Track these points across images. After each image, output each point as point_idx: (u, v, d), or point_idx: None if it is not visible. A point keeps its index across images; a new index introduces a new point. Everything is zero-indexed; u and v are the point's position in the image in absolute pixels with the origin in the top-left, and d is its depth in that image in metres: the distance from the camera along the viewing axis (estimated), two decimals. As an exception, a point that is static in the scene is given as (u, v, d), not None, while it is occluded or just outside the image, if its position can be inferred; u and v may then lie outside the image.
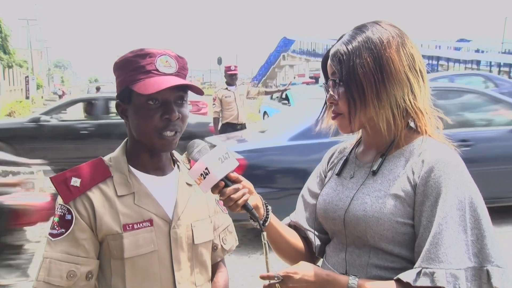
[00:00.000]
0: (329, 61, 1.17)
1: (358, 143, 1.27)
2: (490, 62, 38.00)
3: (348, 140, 1.32)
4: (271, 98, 14.10)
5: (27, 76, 39.07)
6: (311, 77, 40.25)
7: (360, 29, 1.14)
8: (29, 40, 50.39)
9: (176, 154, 1.30)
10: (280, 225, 1.26)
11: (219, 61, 29.13)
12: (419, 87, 1.11)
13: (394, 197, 1.07)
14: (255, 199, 1.18)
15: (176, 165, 1.29)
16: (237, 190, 1.11)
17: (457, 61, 39.51)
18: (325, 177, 1.30)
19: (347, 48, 1.11)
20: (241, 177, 1.15)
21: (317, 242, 1.29)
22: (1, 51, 33.63)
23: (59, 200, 1.16)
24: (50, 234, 1.14)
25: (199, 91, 1.22)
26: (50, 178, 1.17)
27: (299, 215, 1.32)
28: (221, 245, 1.34)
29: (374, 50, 1.09)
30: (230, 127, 6.70)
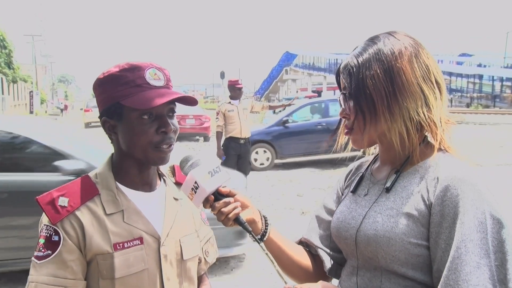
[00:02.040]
0: (341, 75, 1.13)
1: (375, 159, 1.23)
2: (493, 77, 38.07)
3: (367, 157, 1.27)
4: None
5: (31, 91, 39.40)
6: (313, 91, 40.39)
7: (372, 40, 1.10)
8: (34, 55, 50.88)
9: (161, 168, 1.28)
10: (282, 241, 1.22)
11: (222, 75, 29.30)
12: (435, 99, 1.05)
13: (407, 216, 1.01)
14: (250, 213, 1.16)
15: (162, 179, 1.27)
16: (227, 203, 1.10)
17: (460, 75, 39.57)
18: (342, 194, 1.26)
19: (357, 61, 1.07)
20: (234, 191, 1.14)
21: (330, 261, 1.24)
22: (5, 66, 33.94)
23: (44, 220, 1.12)
24: (36, 257, 1.09)
25: (193, 102, 1.20)
26: (36, 198, 1.13)
27: (312, 233, 1.28)
28: (204, 258, 1.33)
29: (384, 62, 1.04)
30: (233, 142, 6.68)
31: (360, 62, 1.07)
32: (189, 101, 1.18)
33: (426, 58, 1.07)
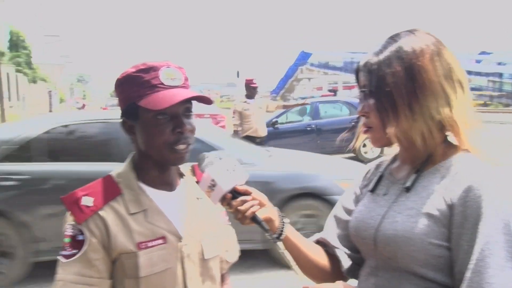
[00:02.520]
0: (360, 72, 1.12)
1: (394, 158, 1.22)
2: (513, 74, 37.20)
3: (386, 156, 1.26)
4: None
5: (50, 91, 40.00)
6: (329, 90, 40.15)
7: (393, 38, 1.09)
8: (52, 56, 51.61)
9: (182, 167, 1.28)
10: (299, 240, 1.21)
11: (238, 75, 29.34)
12: (457, 98, 1.04)
13: (427, 216, 1.00)
14: (267, 212, 1.15)
15: (183, 178, 1.28)
16: (244, 202, 1.10)
17: (479, 73, 38.97)
18: (361, 193, 1.25)
19: (377, 58, 1.06)
20: (251, 189, 1.13)
21: (348, 261, 1.23)
22: (26, 66, 34.54)
23: (69, 220, 1.13)
24: (62, 256, 1.11)
25: (208, 101, 1.20)
26: (61, 198, 1.15)
27: (329, 232, 1.27)
28: (225, 258, 1.32)
29: (405, 60, 1.03)
30: (250, 140, 6.69)
31: (380, 59, 1.06)
32: (204, 100, 1.18)
33: (448, 56, 1.06)
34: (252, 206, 1.10)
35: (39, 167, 4.14)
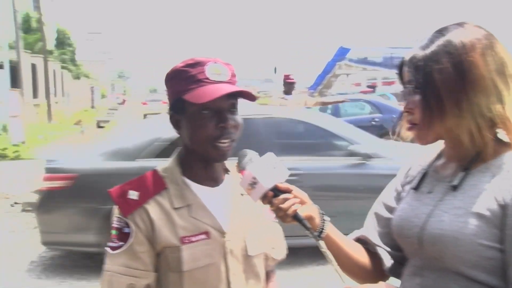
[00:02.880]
0: (405, 68, 1.09)
1: (439, 156, 1.19)
2: None
3: (428, 152, 1.23)
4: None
5: (92, 87, 41.26)
6: (368, 86, 39.44)
7: (440, 32, 1.05)
8: (94, 52, 53.13)
9: (227, 163, 1.29)
10: (340, 238, 1.20)
11: (275, 70, 29.27)
12: (510, 94, 1.00)
13: (477, 216, 0.96)
14: (308, 209, 1.14)
15: (228, 174, 1.28)
16: (286, 199, 1.09)
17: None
18: (403, 191, 1.22)
19: (424, 53, 1.03)
20: (292, 187, 1.12)
21: (390, 259, 1.21)
22: (70, 63, 35.75)
23: (116, 212, 1.16)
24: (109, 247, 1.15)
25: (252, 97, 1.20)
26: (108, 191, 1.18)
27: (370, 230, 1.25)
28: (271, 255, 1.32)
29: (454, 54, 1.00)
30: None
31: (427, 54, 1.02)
32: (247, 96, 1.19)
33: (500, 50, 1.01)
34: (293, 204, 1.09)
35: None
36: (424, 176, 1.15)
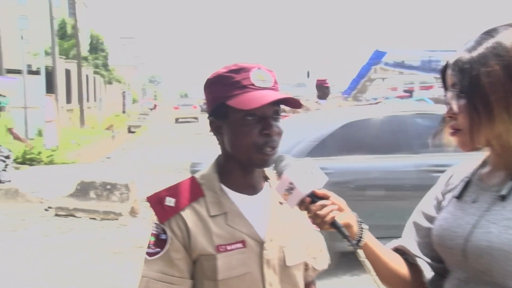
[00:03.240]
0: (449, 71, 1.07)
1: (483, 163, 1.15)
2: None
3: (471, 160, 1.20)
4: None
5: (124, 91, 42.24)
6: (405, 91, 38.77)
7: (489, 33, 1.02)
8: (127, 57, 54.38)
9: (267, 170, 1.29)
10: (379, 247, 1.18)
11: (308, 75, 29.17)
12: None
13: None
14: (346, 217, 1.12)
15: (267, 182, 1.28)
16: (324, 206, 1.08)
17: None
18: (443, 199, 1.19)
19: (470, 55, 1.00)
20: (329, 193, 1.11)
21: (430, 271, 1.18)
22: (103, 68, 36.74)
23: (154, 219, 1.18)
24: (147, 253, 1.17)
25: (298, 104, 1.21)
26: (146, 198, 1.20)
27: (409, 240, 1.22)
28: (312, 265, 1.31)
29: (504, 57, 0.97)
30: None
31: (474, 57, 1.00)
32: (293, 103, 1.19)
33: None
34: (331, 211, 1.08)
35: (340, 162, 4.32)
36: (467, 184, 1.12)
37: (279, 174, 1.13)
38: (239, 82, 1.15)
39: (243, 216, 1.19)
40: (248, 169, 1.21)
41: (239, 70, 1.16)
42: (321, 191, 1.10)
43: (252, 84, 1.15)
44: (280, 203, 1.24)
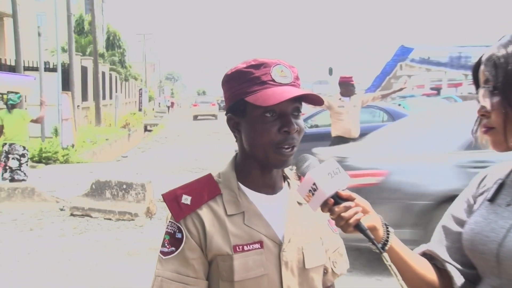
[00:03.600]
0: (481, 67, 1.05)
1: None
2: None
3: (505, 162, 1.17)
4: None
5: (141, 89, 42.68)
6: (432, 89, 38.29)
7: None
8: (144, 54, 54.99)
9: (286, 170, 1.28)
10: (405, 251, 1.16)
11: (330, 72, 28.97)
12: None
13: None
14: (371, 219, 1.12)
15: (286, 182, 1.27)
16: (348, 208, 1.07)
17: None
18: (474, 203, 1.17)
19: (506, 51, 0.99)
20: (354, 195, 1.10)
21: (460, 277, 1.15)
22: (119, 65, 37.19)
23: (169, 217, 1.18)
24: (161, 252, 1.17)
25: (319, 101, 1.19)
26: (162, 195, 1.21)
27: (437, 244, 1.20)
28: (332, 269, 1.30)
29: None
30: (342, 141, 6.58)
31: (509, 52, 0.99)
32: (314, 99, 1.18)
33: None
34: (356, 213, 1.07)
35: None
36: (501, 187, 1.10)
37: (302, 174, 1.13)
38: (258, 77, 1.15)
39: (261, 216, 1.18)
40: (266, 168, 1.20)
41: (259, 66, 1.16)
42: (345, 193, 1.10)
43: (272, 80, 1.14)
44: (299, 203, 1.24)
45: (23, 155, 7.96)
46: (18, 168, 7.92)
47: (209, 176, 1.23)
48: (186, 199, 1.17)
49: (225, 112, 1.24)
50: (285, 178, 1.27)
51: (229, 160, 1.26)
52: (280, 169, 1.22)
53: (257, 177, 1.21)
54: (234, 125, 1.21)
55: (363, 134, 9.43)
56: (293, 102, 1.15)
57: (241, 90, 1.16)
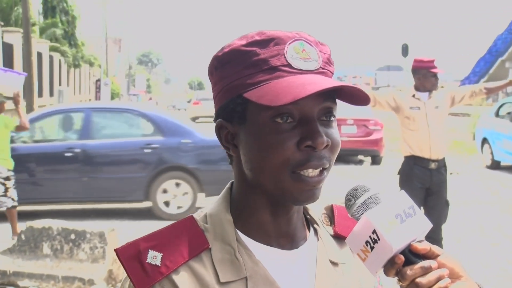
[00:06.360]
0: None
1: None
2: None
3: None
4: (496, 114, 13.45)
5: (99, 80, 42.84)
6: None
7: None
8: (105, 24, 55.35)
9: (311, 210, 1.30)
10: None
11: (405, 51, 27.65)
12: None
13: None
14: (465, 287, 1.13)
15: (312, 228, 1.28)
16: (427, 270, 1.08)
17: None
18: None
19: None
20: (436, 249, 1.12)
21: None
22: (66, 42, 37.39)
23: (127, 285, 1.16)
24: None
25: (364, 99, 1.17)
26: (115, 250, 1.17)
27: None
28: None
29: None
30: (417, 164, 6.44)
31: None
32: (356, 96, 1.17)
33: None
34: (439, 278, 1.08)
35: None
36: None
37: (356, 217, 1.14)
38: (266, 61, 1.13)
39: (274, 283, 1.16)
40: (281, 206, 1.19)
41: (267, 42, 1.14)
42: (422, 246, 1.10)
43: (288, 65, 1.13)
44: (333, 263, 1.25)
45: (7, 178, 8.53)
46: (3, 194, 8.57)
47: (190, 219, 1.21)
48: (154, 258, 1.13)
49: (213, 117, 1.23)
50: (310, 222, 1.29)
51: (221, 193, 1.25)
52: (305, 204, 1.20)
53: (266, 221, 1.20)
54: (227, 138, 1.20)
55: (118, 155, 10.47)
56: (322, 100, 1.13)
57: (239, 81, 1.14)
